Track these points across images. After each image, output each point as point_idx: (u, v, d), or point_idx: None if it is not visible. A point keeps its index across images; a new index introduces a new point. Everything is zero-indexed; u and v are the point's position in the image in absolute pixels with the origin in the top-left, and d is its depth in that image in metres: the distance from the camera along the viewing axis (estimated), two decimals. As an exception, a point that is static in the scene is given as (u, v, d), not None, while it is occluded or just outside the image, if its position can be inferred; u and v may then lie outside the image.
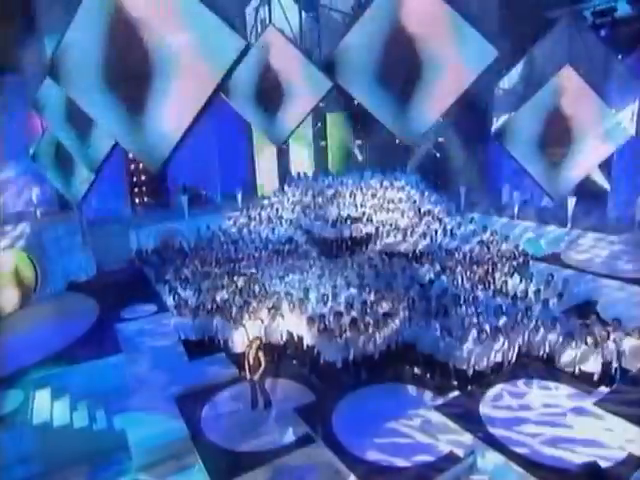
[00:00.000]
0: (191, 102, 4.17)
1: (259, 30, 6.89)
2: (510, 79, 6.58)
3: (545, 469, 5.30)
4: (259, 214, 13.97)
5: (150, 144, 4.29)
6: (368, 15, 4.77)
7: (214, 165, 17.51)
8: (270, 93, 7.02)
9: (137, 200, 17.39)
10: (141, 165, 18.09)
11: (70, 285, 10.79)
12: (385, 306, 8.16)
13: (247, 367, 6.82)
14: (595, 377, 6.72)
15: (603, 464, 5.23)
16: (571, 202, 10.28)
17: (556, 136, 6.16)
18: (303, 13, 7.57)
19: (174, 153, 4.37)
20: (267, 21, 7.12)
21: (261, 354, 6.84)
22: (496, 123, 6.34)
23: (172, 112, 4.19)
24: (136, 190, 17.56)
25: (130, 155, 17.71)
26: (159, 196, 17.39)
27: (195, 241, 12.95)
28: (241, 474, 5.70)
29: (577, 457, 5.42)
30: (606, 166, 11.64)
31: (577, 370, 6.87)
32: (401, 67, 4.85)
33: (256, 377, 6.82)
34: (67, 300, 9.93)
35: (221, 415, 6.79)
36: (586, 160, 6.21)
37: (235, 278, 9.93)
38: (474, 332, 7.08)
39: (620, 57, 7.85)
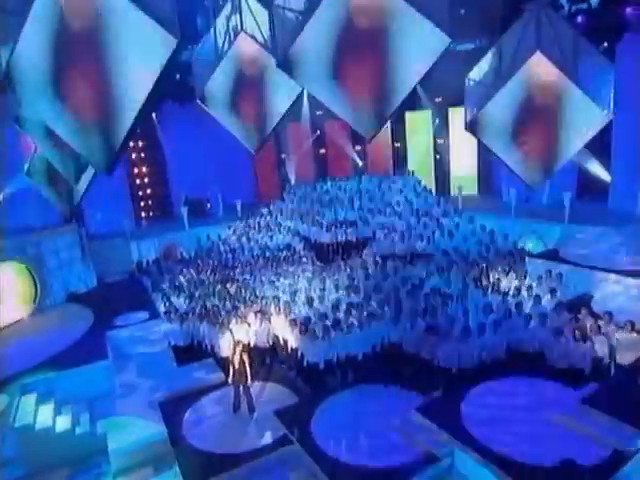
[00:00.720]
0: (132, 102, 4.24)
1: (231, 38, 7.03)
2: (480, 70, 6.48)
3: (526, 468, 5.06)
4: (258, 222, 14.05)
5: (97, 146, 4.37)
6: (319, 13, 4.79)
7: (216, 176, 17.87)
8: (244, 99, 7.12)
9: (141, 213, 17.81)
10: (146, 179, 18.65)
11: (70, 296, 11.01)
12: (371, 307, 8.05)
13: (231, 371, 6.79)
14: (586, 372, 6.47)
15: (587, 462, 5.00)
16: (567, 197, 9.99)
17: (531, 124, 6.01)
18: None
19: (120, 153, 4.44)
20: (239, 28, 7.28)
21: (245, 357, 6.81)
22: (469, 114, 6.22)
23: (115, 113, 4.27)
24: (140, 204, 18.01)
25: (135, 170, 18.38)
26: (162, 209, 17.77)
27: (195, 251, 13.10)
28: (215, 476, 5.67)
29: (560, 455, 5.18)
30: (606, 159, 11.40)
31: (567, 366, 6.63)
32: (355, 62, 4.84)
33: (241, 381, 6.80)
34: (63, 311, 10.13)
35: (202, 419, 6.74)
36: (564, 147, 6.03)
37: (228, 285, 9.97)
38: (459, 330, 6.91)
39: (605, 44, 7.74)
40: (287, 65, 5.14)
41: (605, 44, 8.72)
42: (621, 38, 9.64)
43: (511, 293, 8.19)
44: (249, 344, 7.99)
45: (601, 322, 6.76)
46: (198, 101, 7.42)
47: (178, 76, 11.61)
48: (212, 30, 7.25)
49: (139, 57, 3.99)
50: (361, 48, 4.78)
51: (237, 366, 6.75)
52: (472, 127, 6.13)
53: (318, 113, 16.97)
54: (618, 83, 10.95)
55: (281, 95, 6.69)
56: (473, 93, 6.33)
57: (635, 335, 6.47)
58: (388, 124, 16.22)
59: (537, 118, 6.01)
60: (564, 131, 5.98)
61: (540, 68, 6.04)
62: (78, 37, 4.01)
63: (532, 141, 6.08)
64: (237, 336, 7.61)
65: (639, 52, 10.51)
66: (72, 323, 9.29)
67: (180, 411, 6.89)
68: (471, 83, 6.46)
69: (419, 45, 4.70)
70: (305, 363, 7.28)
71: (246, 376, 6.77)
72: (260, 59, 6.71)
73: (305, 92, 7.30)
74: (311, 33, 4.92)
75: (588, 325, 6.77)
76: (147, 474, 6.03)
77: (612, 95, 5.81)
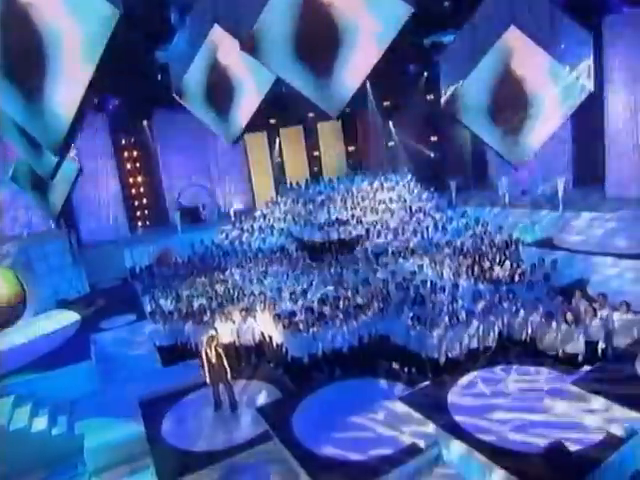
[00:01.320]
0: (77, 82, 4.11)
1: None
2: (454, 47, 6.28)
3: (516, 456, 4.79)
4: (251, 225, 13.94)
5: (47, 126, 4.24)
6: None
7: (211, 183, 17.85)
8: (219, 91, 7.01)
9: (136, 222, 17.77)
10: (141, 189, 18.66)
11: (60, 302, 10.89)
12: (359, 300, 7.84)
13: (207, 368, 6.57)
14: (580, 358, 6.17)
15: (579, 446, 4.71)
16: (560, 183, 9.75)
17: (509, 101, 5.82)
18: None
19: (71, 135, 4.32)
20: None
21: (222, 353, 6.59)
22: (445, 94, 6.02)
23: (62, 92, 4.14)
24: (136, 213, 17.96)
25: (130, 180, 18.41)
26: (157, 217, 17.73)
27: (188, 256, 12.98)
28: (192, 473, 5.45)
29: (551, 441, 4.89)
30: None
31: (560, 352, 6.33)
32: (316, 37, 4.71)
33: (220, 378, 6.58)
34: (51, 315, 9.99)
35: (183, 418, 6.53)
36: (545, 122, 5.82)
37: (217, 286, 9.82)
38: (446, 318, 6.67)
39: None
40: (250, 47, 5.00)
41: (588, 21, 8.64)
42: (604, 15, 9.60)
43: (503, 281, 7.96)
44: (234, 342, 7.86)
45: (596, 305, 6.49)
46: (174, 95, 7.31)
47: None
48: (187, 24, 7.18)
49: (81, 32, 3.87)
50: (321, 23, 4.64)
51: (214, 362, 6.52)
52: (449, 108, 5.92)
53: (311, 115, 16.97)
54: (609, 65, 10.81)
55: (255, 85, 6.56)
56: (448, 74, 6.14)
57: (631, 316, 6.18)
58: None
59: (515, 94, 5.80)
60: (543, 107, 5.76)
61: (515, 42, 5.88)
62: (20, 12, 3.92)
63: (511, 118, 5.87)
64: (222, 335, 7.44)
65: (629, 33, 10.35)
66: (58, 327, 9.15)
67: (161, 411, 6.68)
68: (446, 63, 6.29)
69: (382, 17, 4.55)
70: (289, 358, 7.10)
71: (225, 372, 6.54)
72: (235, 49, 6.61)
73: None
74: (271, 13, 4.79)
75: (582, 308, 6.50)
76: (123, 473, 5.82)
77: (592, 68, 5.60)
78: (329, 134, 19.04)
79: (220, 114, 7.18)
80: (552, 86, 5.69)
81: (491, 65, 5.78)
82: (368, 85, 15.39)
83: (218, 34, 6.91)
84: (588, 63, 5.57)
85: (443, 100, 6.02)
